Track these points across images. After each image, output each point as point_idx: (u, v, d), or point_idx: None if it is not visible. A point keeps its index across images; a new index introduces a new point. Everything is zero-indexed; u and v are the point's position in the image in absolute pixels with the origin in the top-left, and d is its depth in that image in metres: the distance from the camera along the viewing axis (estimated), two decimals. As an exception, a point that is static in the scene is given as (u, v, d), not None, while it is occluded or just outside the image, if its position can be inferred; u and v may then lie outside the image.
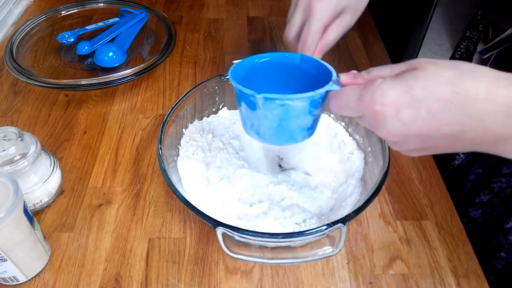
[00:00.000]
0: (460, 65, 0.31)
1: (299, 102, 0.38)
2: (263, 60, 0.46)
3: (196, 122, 0.60)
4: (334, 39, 0.48)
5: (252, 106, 0.39)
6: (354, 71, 0.37)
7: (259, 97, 0.38)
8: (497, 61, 0.60)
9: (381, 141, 0.50)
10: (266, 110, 0.39)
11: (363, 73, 0.36)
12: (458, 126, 0.30)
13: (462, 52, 0.70)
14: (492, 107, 0.29)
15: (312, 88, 0.38)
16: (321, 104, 0.39)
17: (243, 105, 0.41)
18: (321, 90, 0.37)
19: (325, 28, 0.47)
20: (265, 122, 0.40)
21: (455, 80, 0.30)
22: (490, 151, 0.32)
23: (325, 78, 0.40)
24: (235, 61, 0.45)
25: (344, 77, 0.37)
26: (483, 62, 0.63)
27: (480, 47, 0.64)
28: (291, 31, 0.49)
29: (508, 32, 0.57)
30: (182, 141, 0.58)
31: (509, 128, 0.29)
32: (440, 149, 0.34)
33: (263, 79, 0.47)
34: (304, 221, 0.50)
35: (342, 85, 0.37)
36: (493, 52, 0.61)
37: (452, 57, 0.74)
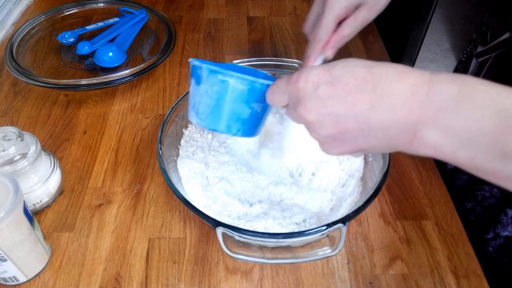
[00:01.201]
0: (381, 62, 0.33)
1: (238, 83, 0.39)
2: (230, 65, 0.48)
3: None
4: (349, 34, 0.48)
5: (198, 79, 0.40)
6: None
7: (205, 67, 0.39)
8: (494, 64, 0.60)
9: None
10: (208, 84, 0.40)
11: None
12: (369, 104, 0.31)
13: (467, 55, 0.70)
14: (400, 88, 0.30)
15: None
16: (261, 99, 0.40)
17: (192, 82, 0.42)
18: (262, 81, 0.39)
19: (340, 23, 0.47)
20: (205, 99, 0.40)
21: (372, 64, 0.33)
22: (401, 146, 0.32)
23: None
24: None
25: None
26: (480, 65, 0.62)
27: (479, 49, 0.64)
28: (307, 23, 0.50)
29: (505, 36, 0.57)
30: (182, 141, 0.58)
31: (414, 109, 0.30)
32: (355, 136, 0.33)
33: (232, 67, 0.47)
34: (304, 221, 0.50)
35: None
36: (490, 55, 0.60)
37: (459, 62, 0.73)
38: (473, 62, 0.65)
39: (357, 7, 0.47)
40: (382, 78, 0.31)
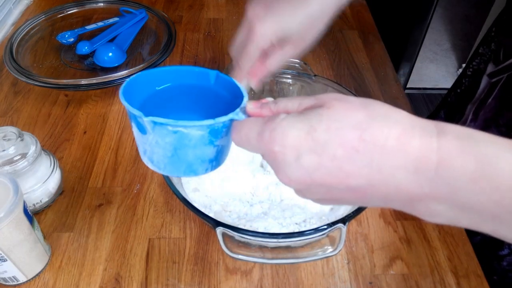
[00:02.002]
0: (373, 106, 0.27)
1: (195, 130, 0.32)
2: (173, 74, 0.39)
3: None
4: (275, 67, 0.45)
5: (142, 129, 0.33)
6: (265, 100, 0.33)
7: (147, 121, 0.31)
8: (506, 86, 0.57)
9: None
10: (157, 136, 0.32)
11: (271, 103, 0.32)
12: (366, 179, 0.26)
13: (474, 69, 0.68)
14: (403, 160, 0.25)
15: (224, 113, 0.32)
16: (226, 134, 0.33)
17: (134, 126, 0.34)
18: (223, 119, 0.32)
19: (266, 52, 0.44)
20: (158, 150, 0.33)
21: (363, 124, 0.26)
22: (406, 210, 0.28)
23: (238, 103, 0.34)
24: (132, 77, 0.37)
25: (250, 106, 0.33)
26: (492, 86, 0.60)
27: (490, 68, 0.62)
28: (233, 46, 0.46)
29: None
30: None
31: (422, 186, 0.25)
32: (352, 202, 0.30)
33: (170, 88, 0.39)
34: (304, 221, 0.50)
35: (248, 116, 0.33)
36: (502, 76, 0.58)
37: (464, 74, 0.72)
38: (484, 81, 0.63)
39: (283, 41, 0.43)
40: (378, 148, 0.26)
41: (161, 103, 0.38)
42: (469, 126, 0.63)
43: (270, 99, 0.33)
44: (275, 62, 0.44)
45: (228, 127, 0.33)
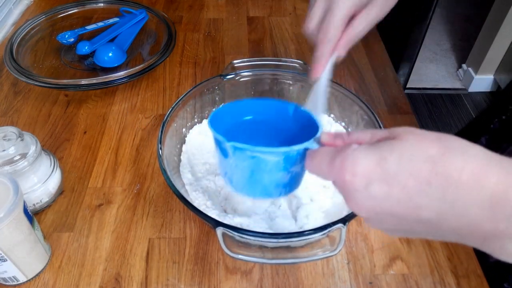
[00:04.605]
0: (447, 140, 0.27)
1: (271, 156, 0.35)
2: (255, 105, 0.44)
3: (197, 122, 0.60)
4: (360, 32, 0.43)
5: (224, 153, 0.37)
6: (338, 132, 0.35)
7: (229, 145, 0.36)
8: None
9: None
10: (237, 159, 0.36)
11: (344, 134, 0.33)
12: (436, 213, 0.26)
13: (510, 113, 0.61)
14: (478, 196, 0.24)
15: (300, 142, 0.35)
16: (300, 161, 0.36)
17: (217, 150, 0.39)
18: (297, 147, 0.34)
19: (349, 20, 0.43)
20: (237, 172, 0.38)
21: (436, 157, 0.26)
22: (479, 247, 0.27)
23: (313, 133, 0.37)
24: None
25: (325, 136, 0.34)
26: None
27: None
28: (311, 22, 0.44)
29: None
30: (182, 141, 0.58)
31: (498, 224, 0.24)
32: (423, 234, 0.29)
33: (252, 120, 0.44)
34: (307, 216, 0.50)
35: (322, 145, 0.35)
36: None
37: (509, 98, 0.65)
38: None
39: (366, 5, 0.43)
40: (452, 182, 0.25)
41: (243, 131, 0.43)
42: None
43: (341, 128, 0.34)
44: (360, 25, 0.43)
45: (302, 155, 0.35)
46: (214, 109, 0.41)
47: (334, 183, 0.31)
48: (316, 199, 0.52)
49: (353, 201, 0.29)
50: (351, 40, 0.43)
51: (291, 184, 0.38)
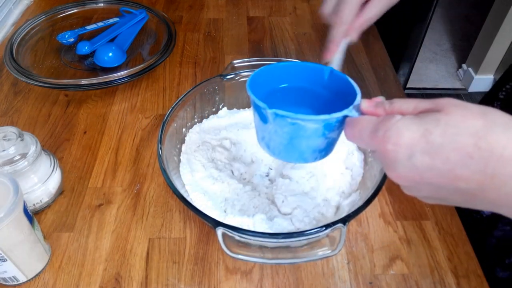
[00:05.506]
0: (492, 114, 0.27)
1: (311, 123, 0.35)
2: (290, 69, 0.44)
3: (197, 122, 0.60)
4: (374, 15, 0.45)
5: (264, 119, 0.38)
6: (378, 99, 0.34)
7: (270, 112, 0.36)
8: None
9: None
10: (276, 126, 0.37)
11: (386, 103, 0.33)
12: (476, 184, 0.27)
13: (508, 92, 0.63)
14: None
15: (336, 108, 0.35)
16: (338, 128, 0.36)
17: (256, 115, 0.40)
18: (337, 115, 0.35)
19: (364, 4, 0.44)
20: (276, 138, 0.38)
21: (480, 131, 0.26)
22: (510, 216, 0.29)
23: (349, 99, 0.37)
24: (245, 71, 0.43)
25: (365, 104, 0.34)
26: None
27: None
28: (327, 5, 0.46)
29: None
30: (182, 141, 0.58)
31: None
32: (456, 202, 0.31)
33: (287, 87, 0.45)
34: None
35: (361, 113, 0.35)
36: None
37: (493, 96, 0.67)
38: None
39: None
40: (493, 157, 0.26)
41: (280, 98, 0.43)
42: None
43: (382, 97, 0.34)
44: (373, 10, 0.44)
45: (340, 122, 0.36)
46: (252, 73, 0.42)
47: (375, 152, 0.32)
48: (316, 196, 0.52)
49: (395, 171, 0.30)
50: (364, 24, 0.45)
51: (327, 149, 0.39)
